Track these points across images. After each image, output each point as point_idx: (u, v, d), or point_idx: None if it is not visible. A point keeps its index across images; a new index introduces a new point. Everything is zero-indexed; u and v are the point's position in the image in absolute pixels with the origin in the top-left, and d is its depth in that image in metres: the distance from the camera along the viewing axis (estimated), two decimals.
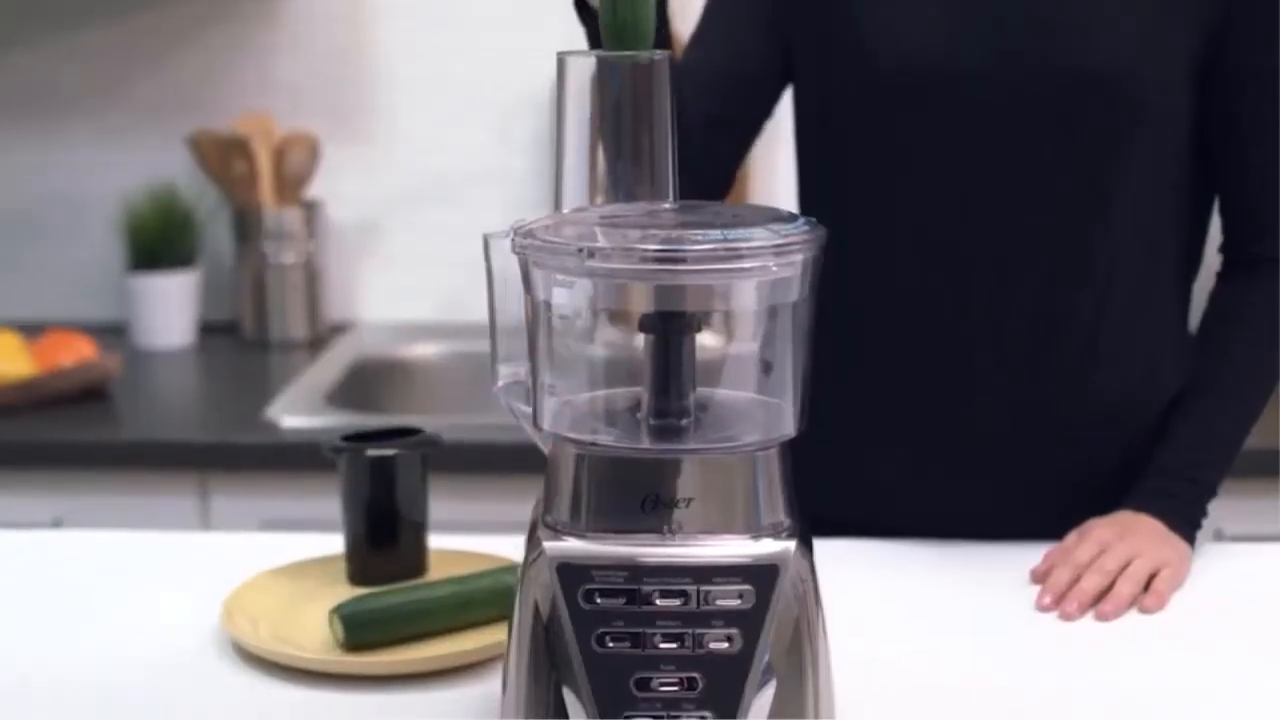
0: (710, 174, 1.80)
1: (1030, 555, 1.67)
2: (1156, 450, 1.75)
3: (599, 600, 1.18)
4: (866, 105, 1.72)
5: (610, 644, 1.18)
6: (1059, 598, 1.60)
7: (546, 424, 1.25)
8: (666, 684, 1.18)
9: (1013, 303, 1.70)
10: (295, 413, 2.56)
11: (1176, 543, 1.68)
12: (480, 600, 1.53)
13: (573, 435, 1.23)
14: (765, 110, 1.85)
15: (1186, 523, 1.71)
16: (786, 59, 1.80)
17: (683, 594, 1.18)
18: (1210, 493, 1.75)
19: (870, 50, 1.70)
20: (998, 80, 1.67)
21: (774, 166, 2.71)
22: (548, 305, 1.22)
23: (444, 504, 2.41)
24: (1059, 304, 1.71)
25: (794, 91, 1.83)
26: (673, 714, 1.18)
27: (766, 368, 1.25)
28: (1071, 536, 1.69)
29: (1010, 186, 1.69)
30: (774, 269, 1.19)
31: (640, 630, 1.18)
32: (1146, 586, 1.62)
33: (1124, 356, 1.74)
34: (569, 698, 1.19)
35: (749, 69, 1.81)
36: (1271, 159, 1.71)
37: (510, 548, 1.57)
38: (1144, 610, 1.60)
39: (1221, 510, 1.80)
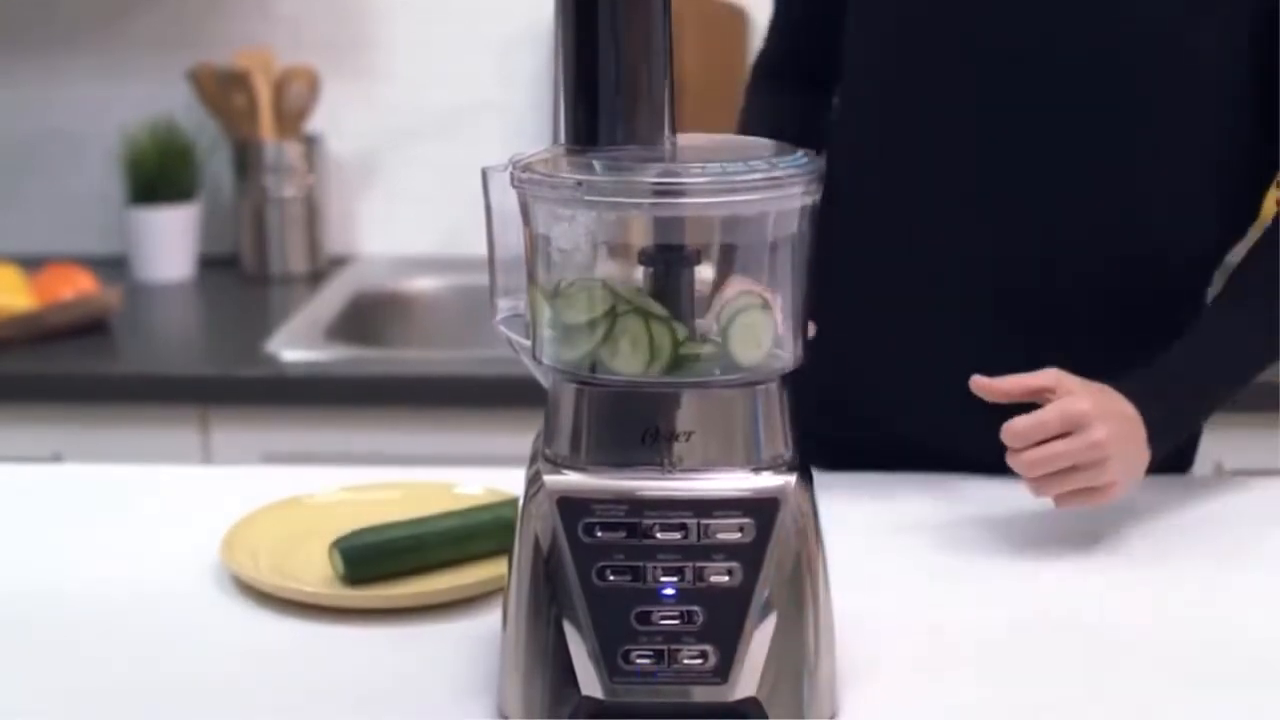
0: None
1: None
2: (1175, 345, 1.62)
3: (599, 534, 1.19)
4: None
5: (611, 577, 1.19)
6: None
7: (546, 357, 1.25)
8: (667, 617, 1.18)
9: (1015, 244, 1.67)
10: (295, 346, 2.56)
11: (1140, 460, 1.55)
12: (480, 534, 1.53)
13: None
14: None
15: (1170, 434, 1.59)
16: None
17: (683, 527, 1.18)
18: (1211, 406, 1.64)
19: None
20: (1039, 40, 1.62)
21: None
22: (546, 239, 1.22)
23: (442, 437, 2.43)
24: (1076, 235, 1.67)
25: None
26: (673, 647, 1.19)
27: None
28: (1052, 410, 1.50)
29: (1040, 147, 1.64)
30: (772, 202, 1.19)
31: (640, 564, 1.19)
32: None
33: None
34: (569, 631, 1.19)
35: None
36: None
37: (510, 481, 1.57)
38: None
39: (1222, 443, 1.78)
